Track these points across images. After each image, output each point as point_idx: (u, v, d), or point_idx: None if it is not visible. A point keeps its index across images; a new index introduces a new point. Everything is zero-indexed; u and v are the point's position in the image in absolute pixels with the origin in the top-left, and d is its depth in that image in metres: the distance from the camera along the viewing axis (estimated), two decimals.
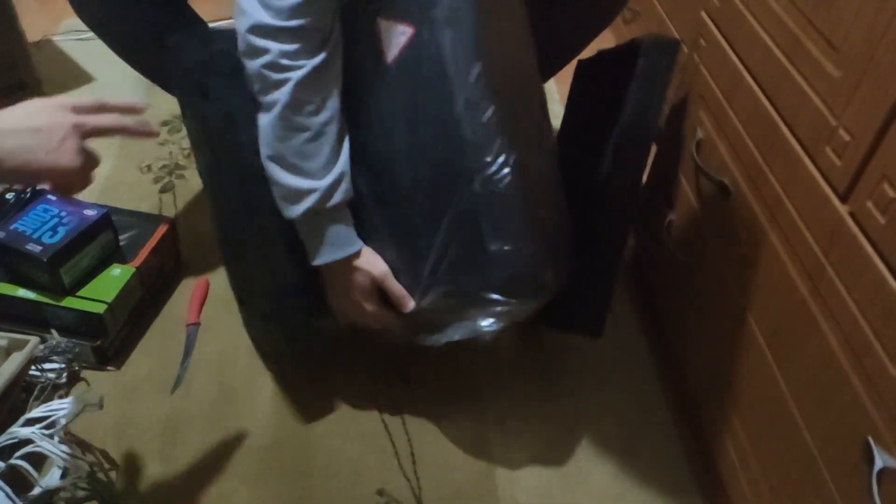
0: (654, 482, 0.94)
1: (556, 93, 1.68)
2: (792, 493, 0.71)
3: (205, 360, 1.05)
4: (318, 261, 0.86)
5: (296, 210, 0.83)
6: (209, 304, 1.14)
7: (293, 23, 0.75)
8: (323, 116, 0.80)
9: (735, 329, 0.83)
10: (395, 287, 0.85)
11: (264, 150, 0.82)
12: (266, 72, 0.77)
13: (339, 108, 0.82)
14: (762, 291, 0.77)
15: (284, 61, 0.76)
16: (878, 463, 0.57)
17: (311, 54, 0.77)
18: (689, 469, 0.96)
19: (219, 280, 1.17)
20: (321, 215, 0.83)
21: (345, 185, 0.83)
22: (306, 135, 0.80)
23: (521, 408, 1.02)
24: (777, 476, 0.74)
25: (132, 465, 0.91)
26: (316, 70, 0.78)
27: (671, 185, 1.05)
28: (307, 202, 0.81)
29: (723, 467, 0.87)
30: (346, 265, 0.85)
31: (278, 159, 0.81)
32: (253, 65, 0.78)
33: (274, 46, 0.76)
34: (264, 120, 0.80)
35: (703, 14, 0.96)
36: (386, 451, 0.95)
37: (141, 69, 1.12)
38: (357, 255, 0.85)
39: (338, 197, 0.83)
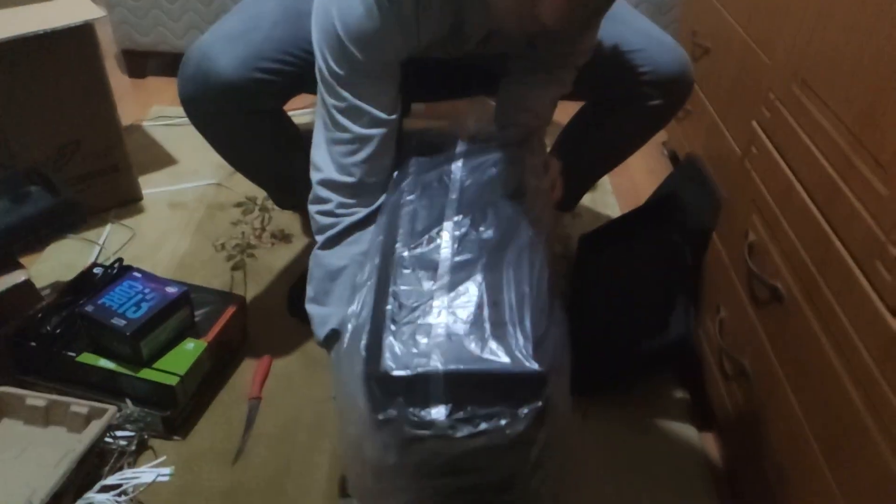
0: None
1: (609, 184, 1.74)
2: None
3: (265, 435, 1.09)
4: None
5: (321, 332, 0.87)
6: (271, 380, 1.19)
7: (355, 180, 0.86)
8: (361, 248, 0.87)
9: (791, 435, 0.83)
10: None
11: (308, 291, 0.90)
12: (320, 217, 0.89)
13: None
14: (817, 399, 0.78)
15: (340, 210, 0.88)
16: None
17: (366, 205, 0.88)
18: None
19: (281, 357, 1.22)
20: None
21: None
22: (343, 262, 0.87)
23: None
24: None
25: None
26: (367, 216, 0.88)
27: (723, 284, 1.07)
28: (332, 322, 0.86)
29: None
30: None
31: (315, 294, 0.89)
32: (312, 209, 0.90)
33: (335, 198, 0.87)
34: (313, 255, 0.90)
35: (754, 123, 1.01)
36: None
37: (239, 168, 1.21)
38: None
39: None
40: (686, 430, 1.14)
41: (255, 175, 1.20)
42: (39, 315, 1.11)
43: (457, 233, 0.74)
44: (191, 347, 1.11)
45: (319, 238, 0.89)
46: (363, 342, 0.66)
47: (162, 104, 1.94)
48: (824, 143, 0.82)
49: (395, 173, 0.93)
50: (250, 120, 1.02)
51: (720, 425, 1.09)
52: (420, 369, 0.60)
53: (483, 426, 0.59)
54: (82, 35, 1.31)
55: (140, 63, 2.07)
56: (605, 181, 1.74)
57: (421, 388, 0.60)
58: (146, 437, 1.07)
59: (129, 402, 1.07)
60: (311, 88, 0.88)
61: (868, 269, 0.70)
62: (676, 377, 1.23)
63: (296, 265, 1.41)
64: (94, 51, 1.34)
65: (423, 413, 0.59)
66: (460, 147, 0.90)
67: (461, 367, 0.60)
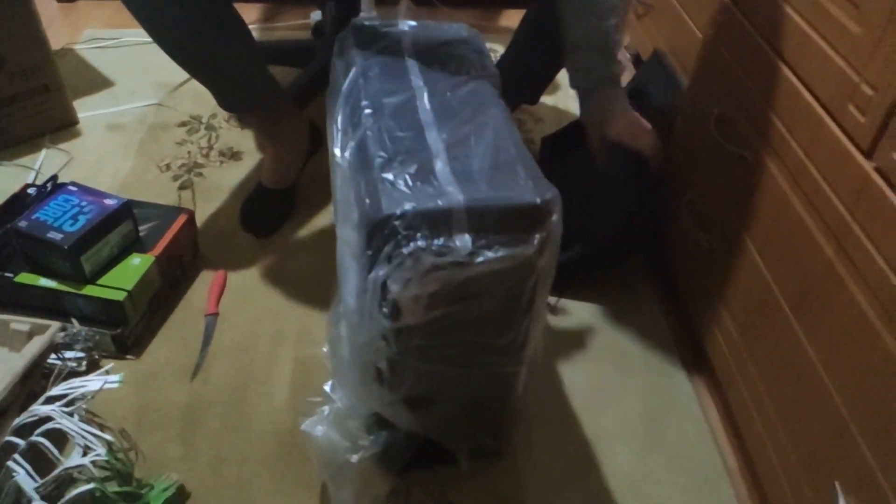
0: (680, 462, 0.93)
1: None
2: (823, 463, 0.69)
3: (224, 349, 1.05)
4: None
5: None
6: (227, 296, 1.14)
7: None
8: None
9: (759, 299, 0.81)
10: None
11: None
12: None
13: None
14: (786, 259, 0.76)
15: None
16: None
17: None
18: (716, 448, 0.94)
19: (237, 272, 1.17)
20: None
21: None
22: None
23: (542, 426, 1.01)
24: (807, 446, 0.72)
25: (152, 448, 0.91)
26: None
27: (690, 166, 1.04)
28: None
29: (751, 445, 0.85)
30: None
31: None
32: None
33: None
34: None
35: None
36: None
37: (181, 61, 1.11)
38: None
39: None
40: (654, 313, 1.14)
41: (198, 70, 1.11)
42: None
43: (429, 92, 0.76)
44: (137, 262, 1.05)
45: None
46: (366, 187, 0.66)
47: (94, 27, 1.82)
48: None
49: (341, 52, 0.88)
50: (195, 5, 0.94)
51: (687, 302, 1.08)
52: (442, 203, 0.62)
53: (500, 252, 0.62)
54: None
55: None
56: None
57: (444, 221, 0.62)
58: (97, 356, 1.02)
59: (74, 321, 1.01)
60: None
61: (839, 114, 0.67)
62: (644, 264, 1.21)
63: (247, 182, 1.34)
64: None
65: (448, 244, 0.62)
66: (404, 29, 0.88)
67: (480, 200, 0.63)
